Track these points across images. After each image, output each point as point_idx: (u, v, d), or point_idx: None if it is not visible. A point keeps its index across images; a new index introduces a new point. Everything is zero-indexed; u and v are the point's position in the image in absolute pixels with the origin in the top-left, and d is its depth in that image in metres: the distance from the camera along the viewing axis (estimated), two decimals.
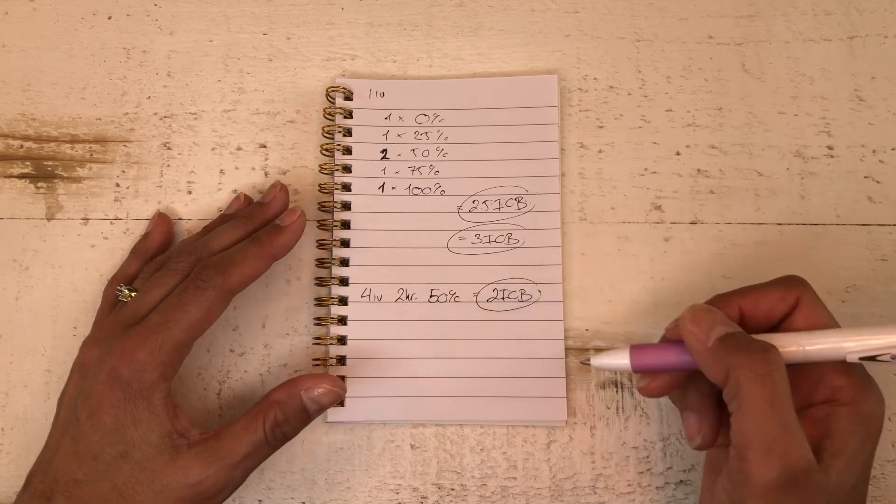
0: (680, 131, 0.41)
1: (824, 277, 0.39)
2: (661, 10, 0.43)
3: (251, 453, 0.33)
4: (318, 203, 0.41)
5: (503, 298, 0.39)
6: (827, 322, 0.31)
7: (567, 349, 0.39)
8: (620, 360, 0.32)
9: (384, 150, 0.41)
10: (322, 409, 0.35)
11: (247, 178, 0.41)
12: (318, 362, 0.38)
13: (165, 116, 0.42)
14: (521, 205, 0.40)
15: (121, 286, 0.36)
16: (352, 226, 0.40)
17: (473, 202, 0.40)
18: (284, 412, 0.33)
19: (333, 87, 0.42)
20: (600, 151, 0.41)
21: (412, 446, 0.38)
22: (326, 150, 0.41)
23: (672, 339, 0.32)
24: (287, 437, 0.34)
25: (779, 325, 0.32)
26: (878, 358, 0.29)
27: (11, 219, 0.41)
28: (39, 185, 0.41)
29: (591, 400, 0.38)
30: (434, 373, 0.38)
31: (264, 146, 0.42)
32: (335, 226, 0.40)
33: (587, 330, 0.39)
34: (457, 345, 0.38)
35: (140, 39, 0.43)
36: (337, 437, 0.38)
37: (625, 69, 0.42)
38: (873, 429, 0.30)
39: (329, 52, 0.43)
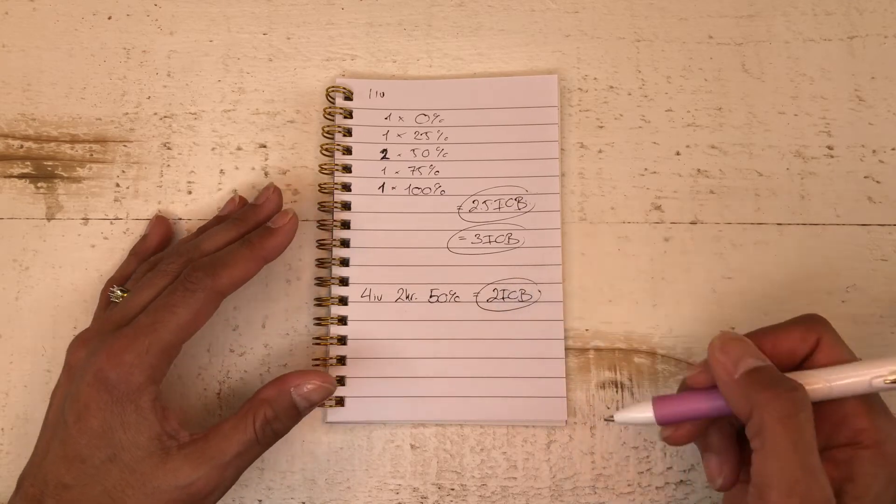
0: (680, 131, 0.41)
1: (824, 277, 0.39)
2: (661, 10, 0.43)
3: (242, 452, 0.32)
4: (318, 203, 0.41)
5: (503, 298, 0.39)
6: (849, 359, 0.31)
7: (567, 349, 0.39)
8: (644, 413, 0.32)
9: (384, 150, 0.41)
10: (312, 405, 0.34)
11: (247, 178, 0.41)
12: (318, 362, 0.38)
13: (165, 116, 0.42)
14: (521, 205, 0.40)
15: (114, 287, 0.36)
16: (352, 226, 0.40)
17: (473, 202, 0.40)
18: (274, 410, 0.33)
19: (333, 87, 0.42)
20: (600, 151, 0.41)
21: (412, 446, 0.38)
22: (326, 150, 0.41)
23: (693, 386, 0.32)
24: (278, 435, 0.34)
25: (801, 366, 0.32)
26: None
27: (11, 219, 0.41)
28: (39, 185, 0.41)
29: (591, 400, 0.38)
30: (434, 373, 0.38)
31: (264, 146, 0.42)
32: (335, 226, 0.40)
33: (587, 330, 0.39)
34: (457, 345, 0.38)
35: (140, 39, 0.43)
36: (337, 437, 0.38)
37: (625, 69, 0.42)
38: None
39: (329, 52, 0.43)
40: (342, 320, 0.39)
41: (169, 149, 0.42)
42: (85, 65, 0.43)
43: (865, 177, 0.41)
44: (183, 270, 0.34)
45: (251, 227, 0.37)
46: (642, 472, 0.37)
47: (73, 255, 0.40)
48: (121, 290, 0.36)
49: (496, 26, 0.43)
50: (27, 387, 0.39)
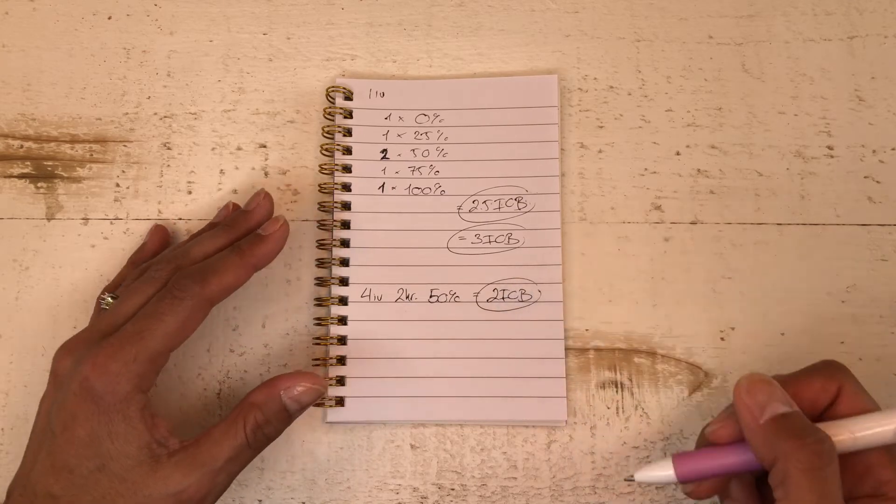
0: (680, 131, 0.41)
1: (824, 277, 0.39)
2: (661, 10, 0.43)
3: (233, 457, 0.32)
4: (318, 203, 0.41)
5: (503, 298, 0.39)
6: (872, 408, 0.30)
7: (567, 349, 0.39)
8: (665, 472, 0.31)
9: (384, 150, 0.41)
10: (303, 407, 0.34)
11: (247, 178, 0.41)
12: (318, 362, 0.38)
13: (165, 116, 0.42)
14: (521, 205, 0.40)
15: (105, 294, 0.35)
16: (352, 226, 0.40)
17: (473, 202, 0.40)
18: (265, 414, 0.33)
19: (333, 87, 0.42)
20: (600, 151, 0.41)
21: (412, 446, 0.38)
22: (326, 150, 0.41)
23: (715, 442, 0.31)
24: (269, 439, 0.33)
25: (822, 416, 0.31)
26: None
27: (11, 219, 0.41)
28: (39, 185, 0.41)
29: (591, 400, 0.38)
30: (434, 373, 0.38)
31: (264, 146, 0.42)
32: (335, 226, 0.40)
33: (587, 330, 0.39)
34: (457, 345, 0.38)
35: (140, 39, 0.43)
36: (337, 437, 0.38)
37: (625, 69, 0.42)
38: None
39: (329, 52, 0.43)
40: (342, 320, 0.39)
41: (169, 149, 0.42)
42: (85, 65, 0.43)
43: (865, 177, 0.41)
44: (171, 277, 0.33)
45: (242, 234, 0.36)
46: None
47: (73, 255, 0.40)
48: (111, 297, 0.35)
49: (496, 26, 0.43)
50: (27, 387, 0.39)
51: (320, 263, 0.40)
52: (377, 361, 0.38)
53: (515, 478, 0.38)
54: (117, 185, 0.41)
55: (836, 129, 0.41)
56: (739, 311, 0.39)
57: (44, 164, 0.42)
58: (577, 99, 0.42)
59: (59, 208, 0.41)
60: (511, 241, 0.40)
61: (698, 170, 0.41)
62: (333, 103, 0.42)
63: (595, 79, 0.42)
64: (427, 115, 0.41)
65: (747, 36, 0.43)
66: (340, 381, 0.38)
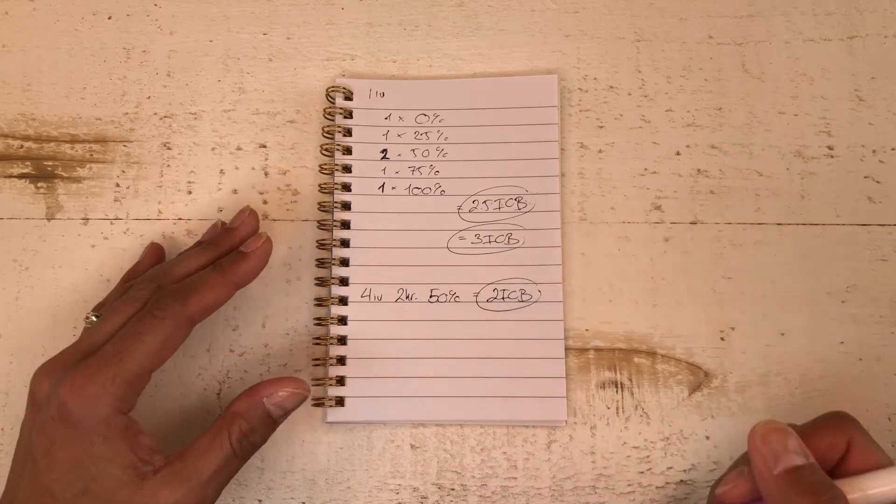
0: (680, 131, 0.41)
1: (824, 277, 0.39)
2: (661, 10, 0.43)
3: (220, 468, 0.31)
4: (318, 203, 0.41)
5: (503, 298, 0.39)
6: (883, 462, 0.30)
7: (567, 349, 0.39)
8: None
9: (384, 150, 0.41)
10: (287, 412, 0.34)
11: (247, 178, 0.41)
12: (318, 362, 0.38)
13: (165, 116, 0.42)
14: (521, 205, 0.40)
15: (90, 313, 0.35)
16: (352, 226, 0.40)
17: (473, 202, 0.40)
18: (249, 422, 0.32)
19: (333, 87, 0.42)
20: (600, 151, 0.41)
21: (412, 446, 0.38)
22: (326, 150, 0.41)
23: (724, 501, 0.31)
24: (256, 447, 0.33)
25: (833, 471, 0.30)
26: None
27: (11, 219, 0.41)
28: (39, 185, 0.41)
29: (591, 400, 0.38)
30: (434, 373, 0.38)
31: (264, 146, 0.42)
32: (335, 226, 0.40)
33: (587, 330, 0.39)
34: (457, 345, 0.38)
35: (140, 39, 0.43)
36: (337, 437, 0.38)
37: (625, 69, 0.42)
38: None
39: (329, 52, 0.43)
40: (342, 320, 0.39)
41: (169, 149, 0.42)
42: (85, 65, 0.43)
43: (865, 177, 0.41)
44: (153, 297, 0.33)
45: (225, 252, 0.36)
46: (643, 472, 0.37)
47: (73, 255, 0.40)
48: (95, 317, 0.34)
49: (496, 26, 0.43)
50: (27, 387, 0.39)
51: (320, 263, 0.40)
52: (377, 361, 0.38)
53: (515, 478, 0.38)
54: (117, 185, 0.41)
55: (836, 129, 0.41)
56: (739, 311, 0.39)
57: (44, 164, 0.42)
58: (577, 99, 0.42)
59: (59, 208, 0.41)
60: (511, 241, 0.40)
61: (698, 170, 0.41)
62: (333, 103, 0.42)
63: (595, 79, 0.42)
64: (427, 115, 0.41)
65: (747, 36, 0.43)
66: (340, 381, 0.38)
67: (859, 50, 0.43)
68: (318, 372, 0.39)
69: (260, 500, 0.38)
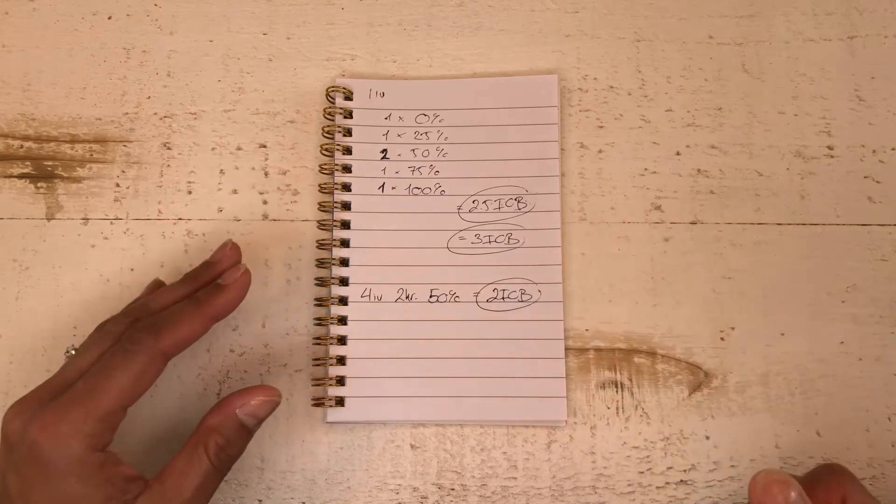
0: (680, 131, 0.41)
1: (824, 277, 0.39)
2: (661, 10, 0.43)
3: (201, 485, 0.31)
4: (318, 203, 0.41)
5: (503, 298, 0.39)
6: None
7: (567, 349, 0.39)
8: None
9: (384, 150, 0.41)
10: (261, 420, 0.34)
11: (247, 178, 0.41)
12: (318, 362, 0.38)
13: (165, 116, 0.42)
14: (521, 205, 0.40)
15: (70, 348, 0.34)
16: (352, 226, 0.40)
17: (473, 202, 0.40)
18: (224, 435, 0.32)
19: (333, 87, 0.42)
20: (600, 151, 0.41)
21: (412, 446, 0.38)
22: (326, 150, 0.41)
23: None
24: (234, 459, 0.33)
25: None
26: None
27: (11, 219, 0.41)
28: (39, 185, 0.41)
29: (591, 400, 0.38)
30: (434, 373, 0.38)
31: (264, 146, 0.42)
32: (335, 226, 0.40)
33: (587, 330, 0.39)
34: (457, 345, 0.38)
35: (140, 39, 0.43)
36: (337, 437, 0.38)
37: (625, 69, 0.42)
38: None
39: (329, 52, 0.43)
40: (342, 320, 0.39)
41: (169, 149, 0.42)
42: (85, 65, 0.43)
43: (865, 177, 0.41)
44: (127, 331, 0.32)
45: (203, 285, 0.35)
46: (643, 472, 0.37)
47: (73, 255, 0.40)
48: (74, 351, 0.34)
49: (496, 26, 0.43)
50: (27, 387, 0.39)
51: (320, 263, 0.40)
52: (377, 361, 0.38)
53: (515, 478, 0.38)
54: (117, 185, 0.41)
55: (836, 129, 0.41)
56: (739, 311, 0.39)
57: (44, 164, 0.42)
58: (577, 99, 0.42)
59: (59, 208, 0.41)
60: (511, 241, 0.40)
61: (698, 170, 0.41)
62: (333, 103, 0.42)
63: (595, 79, 0.42)
64: (427, 115, 0.41)
65: (747, 36, 0.43)
66: (340, 381, 0.38)
67: (859, 50, 0.43)
68: (318, 372, 0.39)
69: (260, 500, 0.38)
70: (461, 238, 0.40)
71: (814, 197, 0.41)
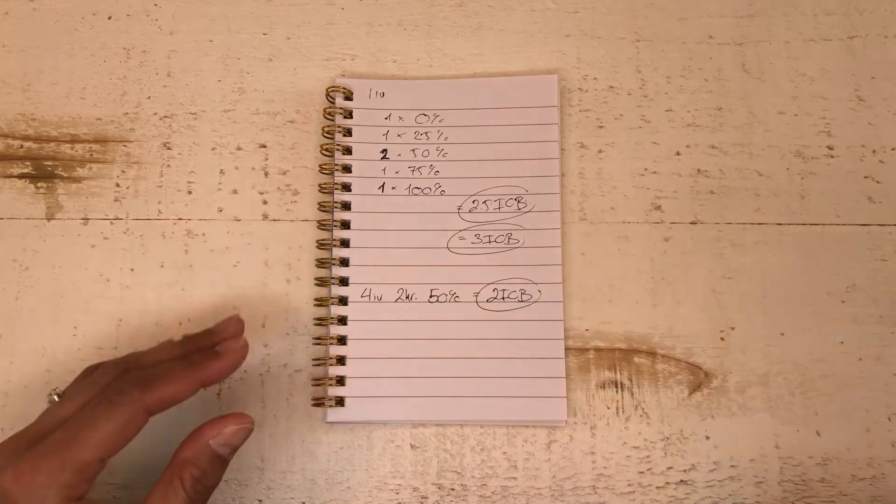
0: (680, 131, 0.41)
1: (824, 277, 0.39)
2: (661, 10, 0.43)
3: None
4: (318, 203, 0.41)
5: (503, 298, 0.39)
6: None
7: (567, 349, 0.39)
8: None
9: (384, 150, 0.41)
10: (236, 448, 0.33)
11: (247, 178, 0.41)
12: (318, 362, 0.38)
13: (165, 116, 0.42)
14: (521, 205, 0.40)
15: (53, 392, 0.33)
16: (352, 226, 0.40)
17: (473, 202, 0.40)
18: (199, 466, 0.32)
19: (333, 87, 0.42)
20: (600, 151, 0.41)
21: (412, 446, 0.38)
22: (326, 150, 0.41)
23: None
24: (211, 489, 0.32)
25: None
26: None
27: (11, 219, 0.41)
28: (39, 185, 0.41)
29: (591, 400, 0.38)
30: (434, 373, 0.38)
31: (264, 146, 0.42)
32: (335, 226, 0.40)
33: (587, 330, 0.39)
34: (457, 345, 0.38)
35: (140, 39, 0.43)
36: (337, 437, 0.38)
37: (625, 69, 0.42)
38: None
39: (329, 52, 0.43)
40: (342, 320, 0.39)
41: (169, 149, 0.42)
42: (85, 65, 0.43)
43: (865, 177, 0.41)
44: (113, 381, 0.32)
45: (199, 348, 0.35)
46: (643, 472, 0.37)
47: (73, 255, 0.40)
48: (57, 396, 0.33)
49: (496, 26, 0.43)
50: (27, 387, 0.39)
51: (320, 263, 0.40)
52: (377, 361, 0.38)
53: (515, 478, 0.38)
54: (117, 185, 0.41)
55: (836, 129, 0.41)
56: (739, 311, 0.39)
57: (44, 164, 0.42)
58: (577, 99, 0.42)
59: (59, 208, 0.41)
60: (511, 241, 0.40)
61: (698, 170, 0.41)
62: (333, 103, 0.42)
63: (595, 79, 0.42)
64: (427, 115, 0.41)
65: (747, 36, 0.43)
66: (340, 381, 0.38)
67: (859, 50, 0.43)
68: (318, 372, 0.39)
69: (260, 500, 0.38)
70: (461, 238, 0.40)
71: (814, 197, 0.41)
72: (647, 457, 0.38)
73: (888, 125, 0.41)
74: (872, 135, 0.41)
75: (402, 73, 0.43)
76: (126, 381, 0.31)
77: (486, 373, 0.38)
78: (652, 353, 0.39)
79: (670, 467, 0.37)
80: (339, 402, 0.38)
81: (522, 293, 0.39)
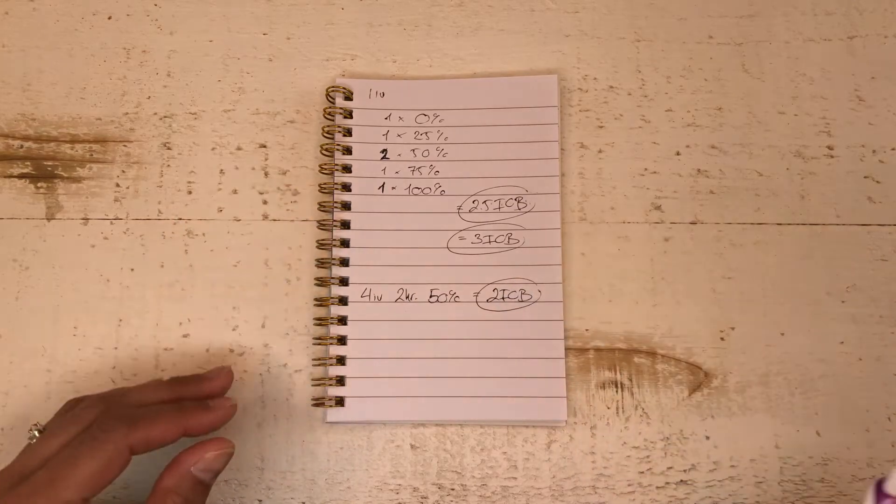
0: (680, 131, 0.41)
1: (824, 277, 0.39)
2: (661, 10, 0.43)
3: None
4: (318, 203, 0.41)
5: (503, 298, 0.39)
6: None
7: (567, 349, 0.39)
8: None
9: (384, 150, 0.41)
10: (217, 472, 0.33)
11: (247, 178, 0.41)
12: (318, 362, 0.38)
13: (165, 116, 0.42)
14: (521, 205, 0.40)
15: (33, 428, 0.32)
16: (352, 226, 0.40)
17: (473, 202, 0.40)
18: (182, 495, 0.31)
19: (333, 87, 0.42)
20: (600, 151, 0.41)
21: (412, 446, 0.38)
22: (326, 150, 0.41)
23: None
24: None
25: None
26: None
27: (11, 219, 0.41)
28: (39, 185, 0.41)
29: (591, 400, 0.38)
30: (434, 373, 0.38)
31: (264, 146, 0.42)
32: (335, 226, 0.40)
33: (587, 330, 0.39)
34: (457, 345, 0.38)
35: (140, 39, 0.43)
36: (337, 437, 0.38)
37: (625, 69, 0.42)
38: None
39: (329, 52, 0.43)
40: (342, 320, 0.39)
41: (169, 149, 0.42)
42: (85, 65, 0.43)
43: (865, 177, 0.41)
44: (98, 418, 0.31)
45: (187, 395, 0.35)
46: (643, 472, 0.37)
47: (73, 255, 0.40)
48: (38, 432, 0.32)
49: (496, 26, 0.43)
50: (27, 387, 0.39)
51: (320, 263, 0.40)
52: (377, 361, 0.38)
53: (515, 478, 0.38)
54: (117, 185, 0.41)
55: (836, 129, 0.41)
56: (739, 311, 0.39)
57: (44, 164, 0.42)
58: (577, 99, 0.42)
59: (59, 208, 0.41)
60: (511, 241, 0.40)
61: (698, 170, 0.41)
62: (333, 103, 0.42)
63: (595, 79, 0.42)
64: (427, 115, 0.41)
65: (747, 36, 0.43)
66: (340, 381, 0.38)
67: (859, 50, 0.43)
68: (318, 372, 0.39)
69: (260, 500, 0.38)
70: (461, 238, 0.40)
71: (814, 197, 0.41)
72: (647, 457, 0.38)
73: (888, 125, 0.41)
74: (872, 135, 0.41)
75: (402, 73, 0.43)
76: (110, 418, 0.31)
77: (486, 373, 0.38)
78: (652, 353, 0.39)
79: (670, 467, 0.37)
80: (339, 402, 0.38)
81: (522, 293, 0.39)
